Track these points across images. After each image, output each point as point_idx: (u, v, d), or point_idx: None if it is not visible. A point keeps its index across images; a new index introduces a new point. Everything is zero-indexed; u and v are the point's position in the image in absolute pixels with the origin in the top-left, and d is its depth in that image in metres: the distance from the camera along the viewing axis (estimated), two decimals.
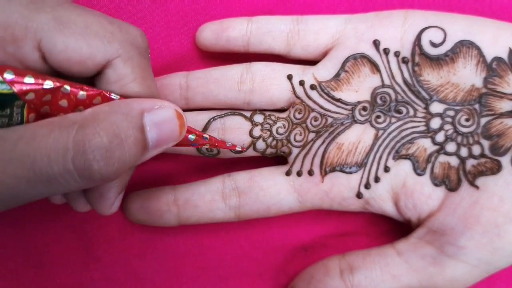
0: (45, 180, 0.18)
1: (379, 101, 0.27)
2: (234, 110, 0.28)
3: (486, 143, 0.26)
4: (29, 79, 0.20)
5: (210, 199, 0.28)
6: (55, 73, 0.21)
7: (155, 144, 0.21)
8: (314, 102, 0.27)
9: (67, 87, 0.21)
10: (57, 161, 0.18)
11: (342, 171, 0.27)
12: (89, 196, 0.24)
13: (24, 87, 0.20)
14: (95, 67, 0.21)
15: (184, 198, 0.28)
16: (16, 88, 0.19)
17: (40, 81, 0.20)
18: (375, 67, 0.27)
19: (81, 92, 0.21)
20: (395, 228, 0.30)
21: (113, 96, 0.21)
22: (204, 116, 0.28)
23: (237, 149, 0.27)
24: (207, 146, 0.25)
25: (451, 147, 0.26)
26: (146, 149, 0.20)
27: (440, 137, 0.26)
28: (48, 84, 0.20)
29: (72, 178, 0.18)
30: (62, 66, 0.21)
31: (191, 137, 0.24)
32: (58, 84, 0.20)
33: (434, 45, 0.26)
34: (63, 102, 0.21)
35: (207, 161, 0.31)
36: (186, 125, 0.22)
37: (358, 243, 0.31)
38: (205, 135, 0.25)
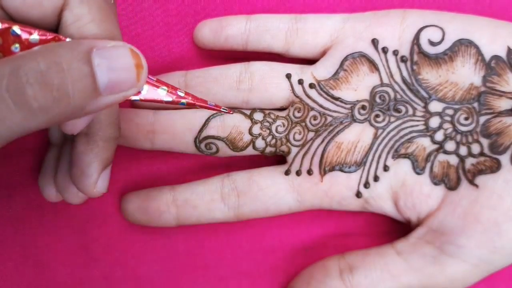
0: None
1: (378, 100, 0.27)
2: (233, 108, 0.28)
3: (485, 142, 0.26)
4: None
5: (209, 199, 0.28)
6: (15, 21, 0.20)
7: (107, 85, 0.18)
8: (313, 101, 0.27)
9: (16, 28, 0.19)
10: None
11: (341, 170, 0.27)
12: (73, 176, 0.24)
13: None
14: (53, 9, 0.20)
15: (183, 198, 0.28)
16: None
17: None
18: (373, 66, 0.27)
19: (33, 35, 0.20)
20: (395, 228, 0.30)
21: (68, 40, 0.20)
22: (203, 114, 0.28)
23: (222, 110, 0.23)
24: (184, 104, 0.22)
25: (450, 146, 0.26)
26: (96, 89, 0.18)
27: (439, 136, 0.26)
28: None
29: (7, 108, 0.17)
30: (19, 12, 0.20)
31: (162, 91, 0.21)
32: (6, 25, 0.19)
33: (432, 44, 0.26)
34: (15, 47, 0.20)
35: (205, 160, 0.31)
36: (144, 66, 0.19)
37: (358, 243, 0.31)
38: (180, 91, 0.21)
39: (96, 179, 0.23)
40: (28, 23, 0.20)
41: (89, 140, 0.23)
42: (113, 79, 0.19)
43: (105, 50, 0.18)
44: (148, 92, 0.21)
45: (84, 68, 0.18)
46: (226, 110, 0.23)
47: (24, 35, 0.19)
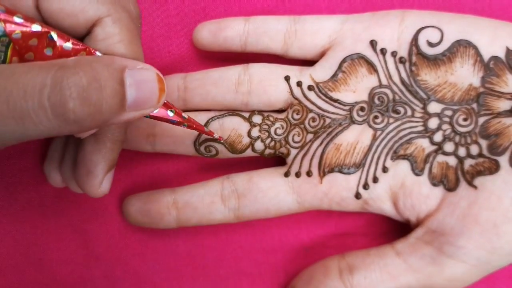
0: (18, 116, 0.18)
1: (376, 101, 0.27)
2: (232, 111, 0.28)
3: (484, 143, 0.26)
4: (18, 19, 0.20)
5: (209, 201, 0.28)
6: (47, 24, 0.21)
7: (133, 103, 0.20)
8: (312, 102, 0.27)
9: (54, 34, 0.21)
10: (32, 96, 0.18)
11: (340, 172, 0.27)
12: (78, 175, 0.24)
13: (13, 26, 0.20)
14: (85, 23, 0.21)
15: (183, 201, 0.28)
16: (4, 24, 0.19)
17: (29, 23, 0.20)
18: (372, 67, 0.27)
19: (67, 43, 0.21)
20: (394, 229, 0.30)
21: (97, 54, 0.21)
22: (202, 117, 0.28)
23: (215, 136, 0.27)
24: (186, 126, 0.24)
25: (449, 147, 0.26)
26: (123, 106, 0.20)
27: (438, 137, 0.26)
28: (36, 27, 0.20)
29: (45, 115, 0.18)
30: (53, 17, 0.21)
31: (170, 112, 0.23)
32: (46, 29, 0.20)
33: (431, 44, 0.26)
34: (48, 50, 0.21)
35: (205, 162, 0.31)
36: (165, 91, 0.21)
37: (358, 243, 0.31)
38: (184, 114, 0.24)
39: (101, 180, 0.24)
40: (58, 29, 0.21)
41: (97, 141, 0.24)
42: (138, 98, 0.20)
43: (135, 71, 0.20)
44: (159, 111, 0.23)
45: (118, 87, 0.19)
46: (217, 136, 0.27)
47: (59, 41, 0.21)
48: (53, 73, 0.18)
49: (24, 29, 0.20)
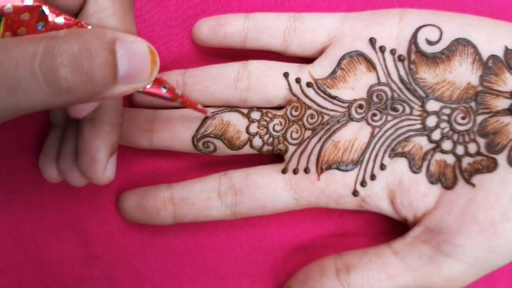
0: (10, 86, 0.18)
1: (375, 99, 0.27)
2: (231, 107, 0.28)
3: (482, 141, 0.26)
4: None
5: (206, 197, 0.28)
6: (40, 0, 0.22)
7: (125, 74, 0.20)
8: (311, 99, 0.27)
9: (46, 8, 0.21)
10: (24, 65, 0.18)
11: (338, 169, 0.27)
12: (81, 163, 0.24)
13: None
14: None
15: (180, 196, 0.28)
16: None
17: None
18: (371, 65, 0.27)
19: (59, 18, 0.21)
20: (394, 229, 0.30)
21: (89, 28, 0.21)
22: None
23: (208, 115, 0.27)
24: (180, 103, 0.24)
25: (447, 145, 0.26)
26: (115, 77, 0.20)
27: (436, 135, 0.26)
28: (28, 1, 0.20)
29: (37, 84, 0.18)
30: None
31: (163, 89, 0.23)
32: (37, 3, 0.20)
33: (430, 43, 0.26)
34: (40, 25, 0.21)
35: (203, 159, 0.31)
36: (158, 63, 0.21)
37: (358, 243, 0.31)
38: (177, 90, 0.24)
39: (105, 164, 0.24)
40: (52, 4, 0.21)
41: (95, 125, 0.24)
42: (130, 70, 0.20)
43: (127, 43, 0.20)
44: (152, 87, 0.23)
45: (109, 57, 0.19)
46: (210, 114, 0.27)
47: (51, 16, 0.21)
48: (44, 43, 0.18)
49: (16, 3, 0.20)
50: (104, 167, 0.24)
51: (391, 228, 0.30)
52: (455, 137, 0.26)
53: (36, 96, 0.18)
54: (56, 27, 0.21)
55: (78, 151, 0.25)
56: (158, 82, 0.23)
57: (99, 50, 0.19)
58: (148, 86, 0.22)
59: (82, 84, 0.18)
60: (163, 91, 0.23)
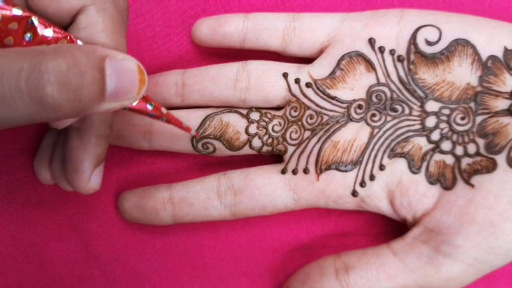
0: None
1: (374, 99, 0.27)
2: (230, 107, 0.28)
3: (481, 142, 0.26)
4: None
5: (205, 197, 0.28)
6: (31, 11, 0.21)
7: (113, 92, 0.20)
8: (310, 100, 0.27)
9: (35, 19, 0.20)
10: (9, 79, 0.17)
11: (337, 169, 0.27)
12: (66, 172, 0.24)
13: None
14: (69, 10, 0.21)
15: (179, 196, 0.28)
16: None
17: (9, 6, 0.20)
18: (370, 65, 0.27)
19: (48, 30, 0.21)
20: (394, 229, 0.30)
21: (79, 42, 0.21)
22: (200, 114, 0.28)
23: (192, 133, 0.26)
24: (164, 121, 0.24)
25: (446, 145, 0.26)
26: (103, 94, 0.19)
27: (435, 135, 0.26)
28: (17, 11, 0.20)
29: (22, 99, 0.18)
30: (37, 3, 0.21)
31: (149, 106, 0.23)
32: (27, 14, 0.20)
33: (429, 43, 0.26)
34: (28, 36, 0.20)
35: (202, 159, 0.31)
36: (146, 82, 0.21)
37: (357, 243, 0.31)
38: (163, 109, 0.24)
39: (89, 175, 0.24)
40: (42, 16, 0.21)
41: (81, 136, 0.23)
42: (118, 88, 0.20)
43: (116, 61, 0.20)
44: (138, 104, 0.22)
45: (98, 75, 0.19)
46: (194, 133, 0.27)
47: (40, 28, 0.20)
48: (31, 57, 0.18)
49: (4, 12, 0.20)
50: (88, 178, 0.24)
51: (390, 228, 0.30)
52: (455, 137, 0.26)
53: (20, 111, 0.18)
54: (44, 39, 0.21)
55: (64, 160, 0.25)
56: (144, 99, 0.23)
57: (88, 67, 0.19)
58: (135, 103, 0.22)
59: (68, 102, 0.18)
60: (149, 108, 0.23)
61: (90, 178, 0.24)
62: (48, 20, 0.21)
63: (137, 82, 0.21)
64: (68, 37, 0.21)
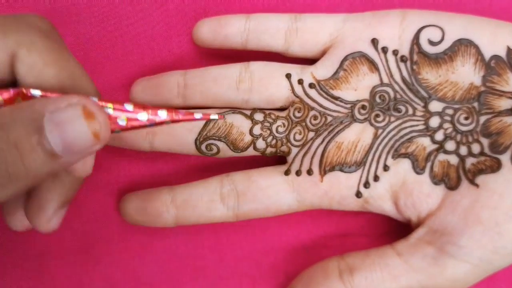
0: None
1: (378, 99, 0.27)
2: (233, 108, 0.28)
3: (485, 141, 0.26)
4: None
5: (208, 199, 0.28)
6: None
7: (64, 148, 0.18)
8: (313, 100, 0.27)
9: None
10: None
11: (341, 170, 0.27)
12: (27, 208, 0.22)
13: None
14: (4, 66, 0.20)
15: (182, 199, 0.28)
16: None
17: None
18: (373, 65, 0.27)
19: None
20: (396, 229, 0.30)
21: (32, 92, 0.19)
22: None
23: (212, 117, 0.21)
24: (169, 122, 0.20)
25: (450, 145, 0.26)
26: (53, 154, 0.18)
27: (439, 135, 0.26)
28: None
29: None
30: None
31: (142, 115, 0.20)
32: None
33: (432, 43, 0.26)
34: None
35: (204, 161, 0.31)
36: (102, 122, 0.19)
37: (359, 243, 0.31)
38: (160, 110, 0.20)
39: (51, 217, 0.22)
40: None
41: (54, 178, 0.22)
42: (68, 142, 0.18)
43: (57, 114, 0.18)
44: (128, 122, 0.20)
45: (33, 139, 0.18)
46: (215, 116, 0.22)
47: None
48: None
49: None
50: (48, 219, 0.22)
51: (393, 228, 0.30)
52: (458, 137, 0.26)
53: None
54: None
55: (29, 194, 0.23)
56: (134, 111, 0.20)
57: (22, 136, 0.17)
58: (123, 123, 0.20)
59: (12, 177, 0.17)
60: (143, 118, 0.20)
61: (51, 220, 0.22)
62: None
63: (85, 128, 0.18)
64: (21, 93, 0.19)
